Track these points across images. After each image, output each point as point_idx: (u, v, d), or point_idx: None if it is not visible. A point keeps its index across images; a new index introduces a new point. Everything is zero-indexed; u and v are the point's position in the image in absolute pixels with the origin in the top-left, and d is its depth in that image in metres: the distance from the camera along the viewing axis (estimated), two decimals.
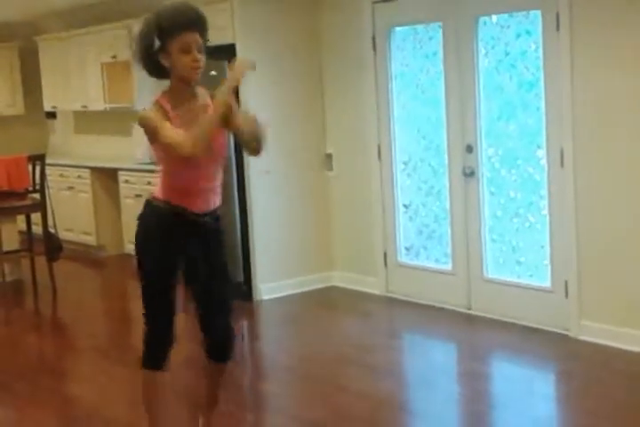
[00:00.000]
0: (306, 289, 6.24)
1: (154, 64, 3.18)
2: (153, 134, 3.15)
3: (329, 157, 6.31)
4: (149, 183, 7.16)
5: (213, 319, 3.48)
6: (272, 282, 6.15)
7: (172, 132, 3.10)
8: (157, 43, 3.09)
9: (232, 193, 6.10)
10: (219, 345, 3.52)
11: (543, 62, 4.90)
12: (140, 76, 7.67)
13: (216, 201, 3.37)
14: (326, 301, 6.12)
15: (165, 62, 3.14)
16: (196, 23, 3.13)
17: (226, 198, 6.07)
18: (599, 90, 4.64)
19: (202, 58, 3.14)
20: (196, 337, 5.37)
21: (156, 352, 3.44)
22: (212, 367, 3.58)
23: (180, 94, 3.21)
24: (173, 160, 3.19)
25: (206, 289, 3.42)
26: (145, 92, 7.71)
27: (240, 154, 6.06)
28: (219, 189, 3.38)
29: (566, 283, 4.90)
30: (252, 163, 6.03)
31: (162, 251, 3.27)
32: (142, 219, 3.31)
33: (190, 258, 3.33)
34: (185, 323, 5.98)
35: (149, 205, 3.31)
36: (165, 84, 3.27)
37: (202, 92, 3.30)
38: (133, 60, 3.31)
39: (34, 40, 9.26)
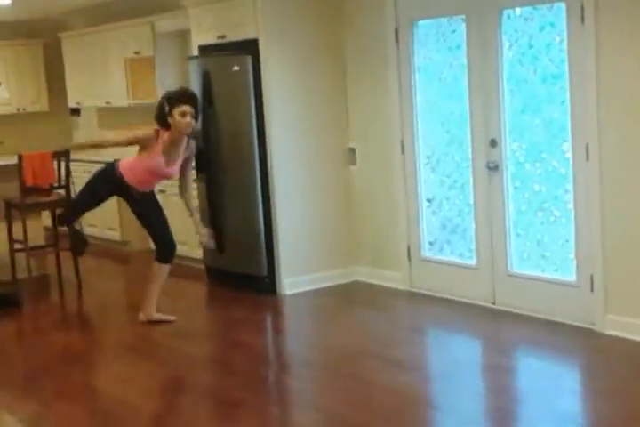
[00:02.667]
0: (329, 284, 6.25)
1: (164, 120, 5.33)
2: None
3: (352, 151, 6.30)
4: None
5: (156, 234, 5.66)
6: (295, 277, 6.16)
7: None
8: (167, 108, 5.30)
9: (255, 188, 6.11)
10: (160, 249, 5.63)
11: (568, 55, 4.86)
12: (162, 71, 7.72)
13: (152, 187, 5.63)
14: (349, 295, 6.12)
15: (170, 120, 5.31)
16: (190, 100, 5.35)
17: (249, 193, 6.13)
18: (625, 82, 4.60)
19: (192, 121, 5.31)
20: (217, 337, 5.42)
21: (67, 216, 5.92)
22: (155, 267, 5.63)
23: (172, 140, 5.37)
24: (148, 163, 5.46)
25: (145, 224, 5.68)
26: (167, 87, 7.76)
27: (263, 150, 6.08)
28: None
29: (592, 277, 4.87)
30: (275, 158, 6.04)
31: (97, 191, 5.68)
32: (102, 171, 5.66)
33: (135, 210, 5.67)
34: (208, 319, 6.03)
35: (112, 166, 5.54)
36: None
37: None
38: (154, 116, 5.42)
39: (58, 37, 9.33)
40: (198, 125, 5.67)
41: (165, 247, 5.60)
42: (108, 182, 5.54)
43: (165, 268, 5.62)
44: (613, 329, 4.77)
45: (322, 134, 6.23)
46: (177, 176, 5.58)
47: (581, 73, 4.76)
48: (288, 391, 4.55)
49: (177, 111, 5.24)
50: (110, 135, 5.77)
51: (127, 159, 5.50)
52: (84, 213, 5.91)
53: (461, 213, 5.74)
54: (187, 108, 5.26)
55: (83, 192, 5.71)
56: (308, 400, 4.30)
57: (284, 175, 6.10)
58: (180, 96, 5.33)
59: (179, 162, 5.45)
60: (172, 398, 4.39)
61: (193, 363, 4.85)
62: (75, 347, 5.41)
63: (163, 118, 5.31)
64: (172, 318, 5.62)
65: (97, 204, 5.75)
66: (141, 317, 5.63)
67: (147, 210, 5.61)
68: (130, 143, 5.47)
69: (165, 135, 5.33)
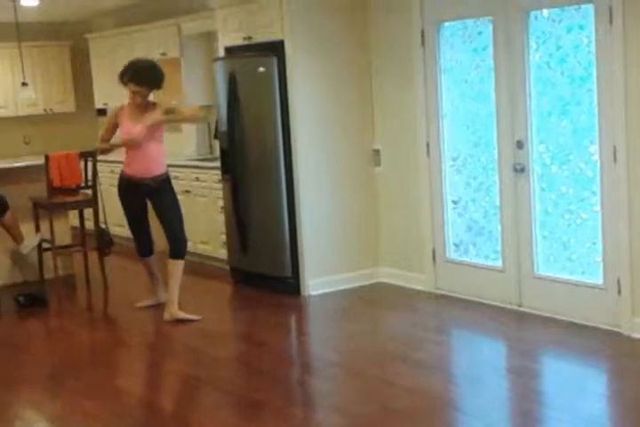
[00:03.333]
0: (353, 285, 6.25)
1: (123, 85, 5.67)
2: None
3: (377, 152, 6.30)
4: (197, 179, 7.23)
5: (167, 229, 5.76)
6: (319, 278, 6.17)
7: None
8: (122, 79, 5.63)
9: (280, 189, 6.12)
10: (172, 245, 5.72)
11: (596, 57, 4.83)
12: (188, 73, 7.76)
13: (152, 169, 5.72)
14: (374, 297, 6.11)
15: (126, 88, 5.64)
16: (143, 80, 5.58)
17: (274, 194, 6.14)
18: None
19: (142, 100, 5.62)
20: (241, 337, 5.43)
21: (142, 251, 6.00)
22: (170, 264, 5.74)
23: (134, 103, 5.67)
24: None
25: (158, 214, 5.79)
26: (193, 88, 7.81)
27: (288, 151, 6.09)
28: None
29: (619, 280, 4.84)
30: (300, 159, 6.05)
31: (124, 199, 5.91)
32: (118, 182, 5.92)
33: (153, 203, 5.81)
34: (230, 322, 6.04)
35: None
36: None
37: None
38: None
39: (85, 38, 9.40)
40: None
41: (174, 242, 5.70)
42: (124, 189, 5.80)
43: (179, 264, 5.71)
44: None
45: (347, 136, 6.23)
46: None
47: (609, 75, 4.73)
48: (311, 392, 4.55)
49: (130, 88, 5.58)
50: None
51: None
52: (144, 236, 5.95)
53: (487, 214, 5.72)
54: (138, 89, 5.55)
55: (126, 219, 5.96)
56: (330, 402, 4.30)
57: (309, 176, 6.11)
58: (137, 74, 5.56)
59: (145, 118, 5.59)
60: (195, 397, 4.39)
61: (216, 363, 4.86)
62: (100, 346, 5.44)
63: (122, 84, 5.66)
64: (197, 317, 5.66)
65: (139, 218, 5.86)
66: (166, 316, 5.68)
67: (161, 200, 5.72)
68: (108, 139, 5.89)
69: (126, 104, 5.70)
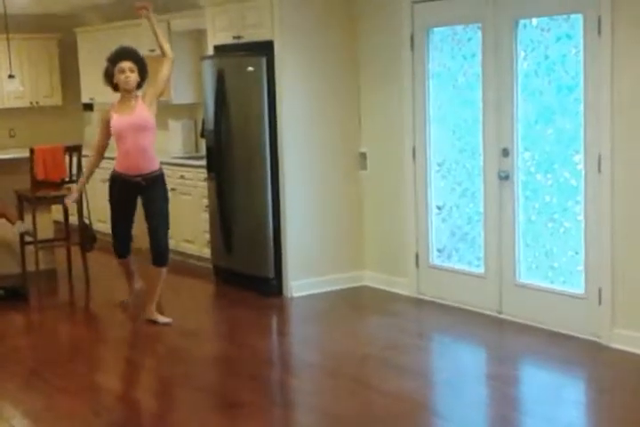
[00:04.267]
0: (336, 288, 6.26)
1: (112, 83, 5.52)
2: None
3: (363, 156, 6.31)
4: (183, 177, 7.22)
5: (153, 237, 5.55)
6: (302, 279, 6.17)
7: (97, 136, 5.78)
8: (110, 68, 5.48)
9: (265, 189, 6.13)
10: (157, 254, 5.53)
11: (583, 67, 4.86)
12: (176, 70, 7.72)
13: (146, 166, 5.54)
14: (356, 300, 6.12)
15: (115, 80, 5.47)
16: (129, 56, 5.47)
17: (259, 194, 6.14)
18: (639, 96, 4.60)
19: (132, 75, 5.43)
20: (222, 337, 5.44)
21: (120, 251, 5.79)
22: (153, 271, 5.57)
23: (123, 97, 5.53)
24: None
25: (146, 215, 5.58)
26: (181, 86, 7.80)
27: (275, 151, 6.09)
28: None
29: (600, 290, 4.87)
30: (286, 160, 6.06)
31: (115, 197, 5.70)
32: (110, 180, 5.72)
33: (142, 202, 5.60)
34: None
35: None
36: None
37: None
38: (104, 82, 5.60)
39: (73, 32, 9.36)
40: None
41: (160, 249, 5.54)
42: (116, 188, 5.61)
43: (164, 272, 5.61)
44: (619, 343, 4.76)
45: (334, 138, 6.24)
46: (148, 122, 5.51)
47: (596, 85, 4.77)
48: (290, 393, 4.57)
49: (116, 70, 5.42)
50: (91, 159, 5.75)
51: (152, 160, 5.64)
52: (126, 235, 5.77)
53: (471, 221, 5.74)
54: (124, 64, 5.41)
55: (111, 217, 5.77)
56: (310, 403, 4.32)
57: (295, 177, 6.11)
58: (116, 54, 5.48)
59: (138, 111, 5.48)
60: (175, 396, 4.40)
61: (197, 362, 4.86)
62: (80, 342, 5.44)
63: (109, 80, 5.51)
64: (168, 319, 5.56)
65: (126, 218, 5.69)
66: (143, 315, 5.65)
67: (153, 202, 5.55)
68: (104, 145, 5.70)
69: (115, 102, 5.57)
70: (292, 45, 6.01)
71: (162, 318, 5.55)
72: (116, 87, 5.53)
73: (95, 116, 9.74)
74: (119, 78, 5.42)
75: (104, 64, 5.60)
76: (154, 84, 5.54)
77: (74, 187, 5.97)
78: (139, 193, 5.57)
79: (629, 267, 4.72)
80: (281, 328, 5.82)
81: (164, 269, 5.59)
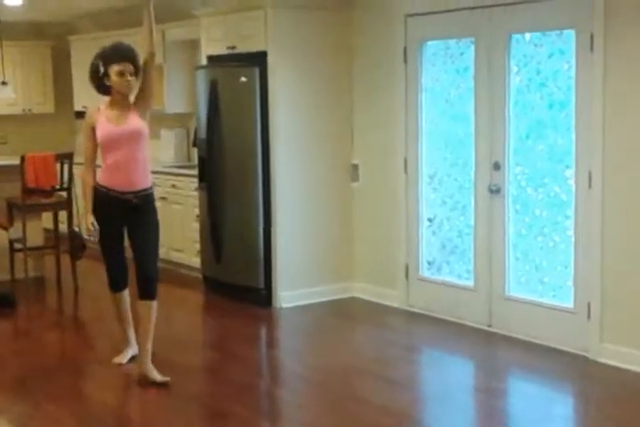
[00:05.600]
0: (326, 299, 6.25)
1: (100, 84, 4.63)
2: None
3: (355, 167, 6.32)
4: (174, 186, 7.22)
5: (142, 264, 4.68)
6: (292, 290, 6.17)
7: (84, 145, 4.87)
8: (102, 69, 4.57)
9: (257, 199, 6.13)
10: (147, 284, 4.66)
11: (575, 83, 4.89)
12: (170, 80, 7.75)
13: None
14: (346, 311, 6.12)
15: (108, 82, 4.59)
16: (127, 56, 4.60)
17: (250, 204, 6.14)
18: (631, 112, 4.62)
19: (132, 79, 4.59)
20: (211, 348, 5.41)
21: (116, 282, 4.89)
22: (142, 307, 4.68)
23: (117, 102, 4.66)
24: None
25: (138, 247, 4.73)
26: (174, 95, 7.80)
27: (267, 162, 6.10)
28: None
29: (589, 305, 4.88)
30: (277, 171, 6.06)
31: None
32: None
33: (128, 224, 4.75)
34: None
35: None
36: None
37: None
38: (89, 81, 4.69)
39: (67, 40, 9.36)
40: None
41: (149, 279, 4.66)
42: (99, 206, 4.67)
43: (154, 306, 4.68)
44: (607, 358, 4.78)
45: (326, 149, 6.25)
46: (141, 131, 4.66)
47: (588, 101, 4.79)
48: (278, 405, 4.56)
49: (113, 71, 4.54)
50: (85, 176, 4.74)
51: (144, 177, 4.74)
52: (121, 264, 4.85)
53: (461, 234, 5.75)
54: (123, 66, 4.55)
55: (100, 244, 4.80)
56: (297, 415, 4.31)
57: (286, 188, 6.12)
58: (115, 53, 4.60)
59: (131, 119, 4.64)
60: (162, 405, 4.37)
61: (184, 372, 4.84)
62: (67, 350, 5.42)
63: (100, 82, 4.61)
64: (166, 378, 4.63)
65: (116, 242, 4.75)
66: (117, 359, 4.94)
67: (143, 224, 4.71)
68: (95, 157, 4.78)
69: (103, 106, 4.66)
70: (286, 56, 6.03)
71: (160, 377, 4.62)
72: (104, 90, 4.65)
73: None
74: (118, 82, 4.55)
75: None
76: (145, 89, 4.69)
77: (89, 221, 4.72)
78: (128, 213, 4.66)
79: (618, 282, 4.74)
80: (270, 339, 5.81)
81: (155, 304, 4.68)
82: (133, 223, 4.71)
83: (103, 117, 4.63)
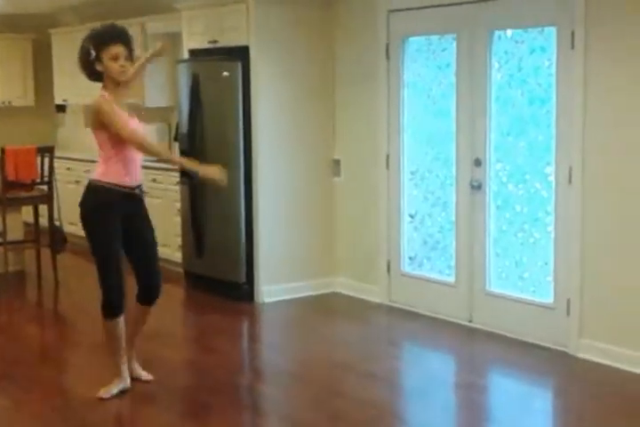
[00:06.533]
0: (308, 294, 6.26)
1: (92, 70, 4.19)
2: (109, 122, 4.11)
3: (337, 162, 6.33)
4: (155, 180, 7.19)
5: (147, 268, 4.42)
6: (274, 285, 6.17)
7: (126, 124, 4.15)
8: (93, 53, 4.13)
9: (238, 194, 6.12)
10: (152, 292, 4.43)
11: (556, 79, 4.91)
12: (151, 73, 7.70)
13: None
14: (327, 306, 6.14)
15: (100, 68, 4.15)
16: (121, 38, 4.18)
17: (232, 199, 6.14)
18: (611, 109, 4.66)
19: (127, 64, 4.17)
20: (192, 342, 5.40)
21: (117, 306, 4.31)
22: (141, 310, 4.49)
23: (113, 91, 4.19)
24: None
25: (143, 250, 4.42)
26: (155, 89, 7.77)
27: (249, 157, 6.09)
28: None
29: (568, 301, 4.92)
30: (259, 165, 6.06)
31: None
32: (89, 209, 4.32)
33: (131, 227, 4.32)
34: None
35: (91, 189, 4.29)
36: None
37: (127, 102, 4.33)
38: (79, 67, 4.25)
39: (48, 33, 9.30)
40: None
41: (156, 283, 4.43)
42: (109, 206, 4.24)
43: (149, 311, 4.54)
44: (586, 353, 4.82)
45: (308, 144, 6.25)
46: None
47: (568, 98, 4.82)
48: (259, 400, 4.56)
49: (107, 54, 4.12)
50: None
51: (97, 171, 4.29)
52: (122, 282, 4.34)
53: (443, 229, 5.78)
54: (117, 48, 4.13)
55: (104, 256, 4.30)
56: (277, 408, 4.33)
57: (268, 182, 6.12)
58: (108, 34, 4.18)
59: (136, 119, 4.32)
60: (142, 399, 4.37)
61: (165, 366, 4.84)
62: (47, 344, 5.41)
63: (91, 67, 4.18)
64: (150, 377, 4.57)
65: (120, 251, 4.32)
66: (101, 393, 4.34)
67: (145, 222, 4.40)
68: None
69: (106, 94, 4.18)
70: (268, 51, 6.02)
71: (145, 375, 4.55)
72: (97, 77, 4.23)
73: (67, 119, 9.71)
74: (111, 67, 4.12)
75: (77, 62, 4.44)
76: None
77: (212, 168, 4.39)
78: (132, 213, 4.31)
79: (598, 278, 4.78)
80: (251, 334, 5.82)
81: (148, 309, 4.52)
82: (138, 224, 4.34)
83: (120, 110, 4.17)
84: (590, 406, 4.24)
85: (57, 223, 6.77)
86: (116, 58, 4.13)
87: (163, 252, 7.12)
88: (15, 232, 6.91)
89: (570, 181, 4.86)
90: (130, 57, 4.20)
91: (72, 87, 8.87)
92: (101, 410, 4.19)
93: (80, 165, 8.27)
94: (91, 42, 4.17)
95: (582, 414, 4.18)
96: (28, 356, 5.12)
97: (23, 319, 5.94)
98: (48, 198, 6.75)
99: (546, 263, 5.12)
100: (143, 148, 4.20)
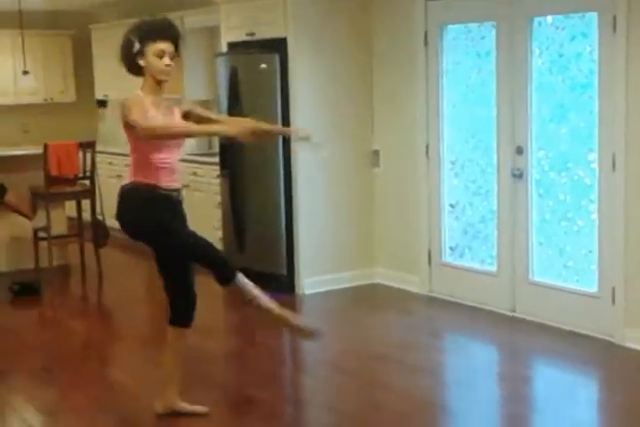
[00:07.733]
0: (348, 285, 6.25)
1: (132, 63, 3.81)
2: (128, 114, 3.69)
3: (376, 153, 6.30)
4: (195, 174, 7.23)
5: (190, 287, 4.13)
6: (315, 276, 6.17)
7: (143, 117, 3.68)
8: (137, 46, 3.75)
9: (278, 186, 6.13)
10: (191, 312, 4.07)
11: (598, 65, 4.84)
12: (190, 67, 7.75)
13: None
14: (368, 297, 6.12)
15: (142, 62, 3.77)
16: (170, 34, 3.80)
17: (272, 191, 6.14)
18: None
19: (172, 63, 3.79)
20: (235, 335, 5.39)
21: (188, 312, 4.05)
22: (179, 333, 4.06)
23: (153, 89, 3.82)
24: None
25: (189, 248, 4.11)
26: (194, 83, 7.81)
27: (288, 149, 6.09)
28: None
29: (613, 289, 4.85)
30: (299, 157, 6.05)
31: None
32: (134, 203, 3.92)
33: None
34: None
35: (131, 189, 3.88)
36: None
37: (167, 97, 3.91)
38: (118, 57, 3.89)
39: (88, 28, 9.38)
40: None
41: (190, 302, 4.08)
42: (172, 212, 3.96)
43: (186, 333, 4.11)
44: (632, 342, 4.74)
45: (347, 135, 6.23)
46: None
47: (611, 83, 4.74)
48: (302, 391, 4.58)
49: (151, 50, 3.74)
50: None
51: (128, 175, 3.93)
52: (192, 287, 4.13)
53: (484, 219, 5.73)
54: (163, 45, 3.75)
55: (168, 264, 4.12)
56: (321, 400, 4.32)
57: (308, 175, 6.11)
58: (157, 29, 3.80)
59: (177, 114, 3.91)
60: (186, 393, 4.39)
61: (209, 359, 4.87)
62: (92, 338, 5.46)
63: (132, 60, 3.80)
64: (204, 409, 4.10)
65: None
66: (157, 407, 4.08)
67: (186, 220, 4.08)
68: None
69: (141, 94, 3.79)
70: (306, 43, 6.01)
71: (193, 407, 4.09)
72: (137, 71, 3.83)
73: (108, 114, 9.79)
74: (155, 63, 3.74)
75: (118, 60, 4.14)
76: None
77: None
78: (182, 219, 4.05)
79: None
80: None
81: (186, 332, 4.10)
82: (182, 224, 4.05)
83: (154, 107, 3.76)
84: (636, 396, 4.17)
85: (99, 217, 6.83)
86: (160, 55, 3.74)
87: None
88: (59, 227, 6.99)
89: (613, 168, 4.78)
90: (176, 55, 3.82)
91: (113, 82, 8.94)
92: (145, 404, 4.22)
93: (121, 159, 8.32)
94: (136, 34, 3.78)
95: (628, 403, 4.11)
96: (73, 349, 5.18)
97: (67, 313, 6.01)
98: (90, 193, 6.82)
99: (590, 252, 5.05)
100: (164, 132, 3.72)
